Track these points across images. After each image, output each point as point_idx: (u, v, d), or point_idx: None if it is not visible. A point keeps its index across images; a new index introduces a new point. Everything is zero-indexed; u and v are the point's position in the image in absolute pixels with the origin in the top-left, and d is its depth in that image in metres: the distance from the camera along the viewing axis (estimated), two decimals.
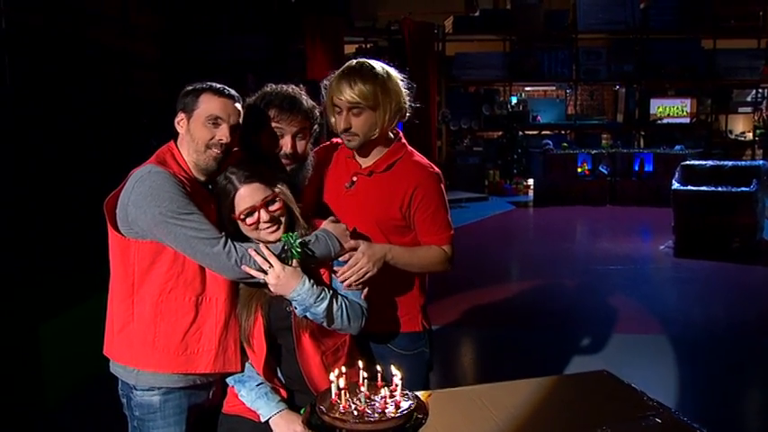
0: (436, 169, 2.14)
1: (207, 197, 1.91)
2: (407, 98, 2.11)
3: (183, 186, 1.83)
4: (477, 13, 12.46)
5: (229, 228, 1.89)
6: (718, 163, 7.95)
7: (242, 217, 1.87)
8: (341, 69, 2.08)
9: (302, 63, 9.88)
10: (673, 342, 4.74)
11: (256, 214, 1.87)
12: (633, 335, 4.93)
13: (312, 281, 1.86)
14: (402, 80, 2.11)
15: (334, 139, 2.29)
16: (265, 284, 1.86)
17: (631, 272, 6.81)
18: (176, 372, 1.88)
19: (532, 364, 4.42)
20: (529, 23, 12.02)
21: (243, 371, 1.96)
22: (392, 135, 2.17)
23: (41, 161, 5.73)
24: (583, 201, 10.97)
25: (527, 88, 13.66)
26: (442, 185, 2.14)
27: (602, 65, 12.40)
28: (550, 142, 11.74)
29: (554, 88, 13.83)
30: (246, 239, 1.90)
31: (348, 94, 2.01)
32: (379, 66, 2.08)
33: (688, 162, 8.20)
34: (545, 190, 11.27)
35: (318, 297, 1.85)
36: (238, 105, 1.93)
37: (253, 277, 1.84)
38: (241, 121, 1.94)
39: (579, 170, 11.25)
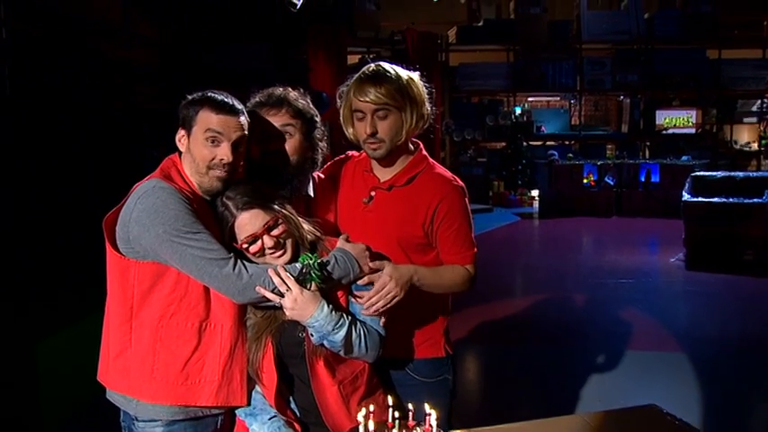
0: (460, 182, 1.99)
1: (212, 215, 1.77)
2: (429, 105, 1.96)
3: (190, 203, 1.69)
4: (480, 23, 12.38)
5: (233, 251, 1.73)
6: (729, 174, 7.84)
7: (244, 246, 1.73)
8: (360, 73, 1.94)
9: (305, 73, 9.77)
10: (690, 359, 4.58)
11: (259, 242, 1.73)
12: (649, 351, 4.78)
13: (331, 306, 1.71)
14: (425, 86, 1.96)
15: (349, 152, 2.13)
16: (279, 308, 1.71)
17: (643, 285, 6.66)
18: (175, 403, 1.72)
19: (547, 382, 4.27)
20: (533, 33, 11.96)
21: (249, 404, 1.79)
22: (412, 146, 2.02)
23: (40, 174, 5.60)
24: (589, 212, 10.87)
25: (530, 99, 13.58)
26: (467, 200, 1.99)
27: (607, 75, 12.32)
28: (556, 153, 11.63)
29: (557, 99, 13.75)
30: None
31: (374, 94, 1.86)
32: (400, 68, 1.94)
33: (698, 173, 8.08)
34: (551, 201, 11.16)
35: (337, 324, 1.69)
36: (242, 119, 1.77)
37: (265, 301, 1.69)
38: (246, 133, 1.78)
39: (585, 181, 11.15)
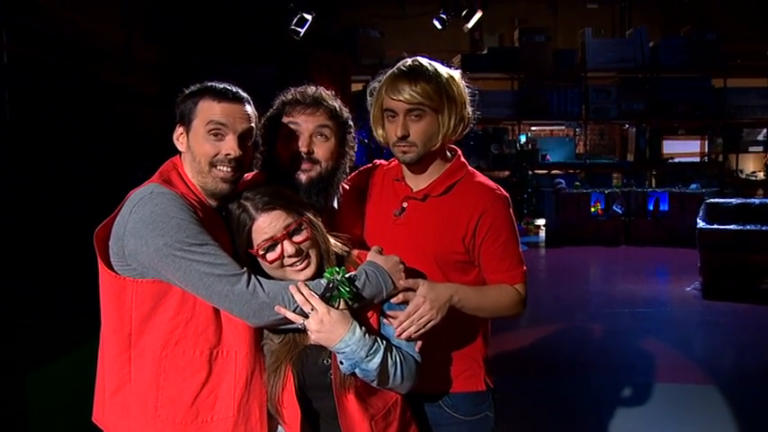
0: (504, 192, 1.76)
1: (222, 225, 1.54)
2: (471, 108, 1.74)
3: (194, 211, 1.45)
4: (484, 51, 12.31)
5: (248, 265, 1.50)
6: (744, 201, 7.65)
7: (261, 252, 1.49)
8: (394, 68, 1.72)
9: None
10: (719, 391, 4.35)
11: (278, 247, 1.49)
12: (675, 384, 4.54)
13: (363, 328, 1.46)
14: (467, 86, 1.74)
15: (377, 161, 1.91)
16: (300, 331, 1.47)
17: (661, 315, 6.43)
18: None
19: (571, 417, 4.03)
20: (537, 62, 11.86)
21: None
22: (449, 153, 1.80)
23: (40, 199, 5.44)
24: (597, 241, 10.66)
25: (533, 128, 13.45)
26: (511, 211, 1.76)
27: (612, 103, 12.20)
28: (563, 181, 11.47)
29: (562, 128, 13.63)
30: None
31: (408, 92, 1.64)
32: (440, 65, 1.72)
33: (713, 200, 7.87)
34: (558, 230, 10.95)
35: (371, 349, 1.45)
36: (248, 108, 1.56)
37: (284, 323, 1.45)
38: (254, 125, 1.57)
39: (592, 209, 10.96)
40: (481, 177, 1.80)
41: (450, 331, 1.68)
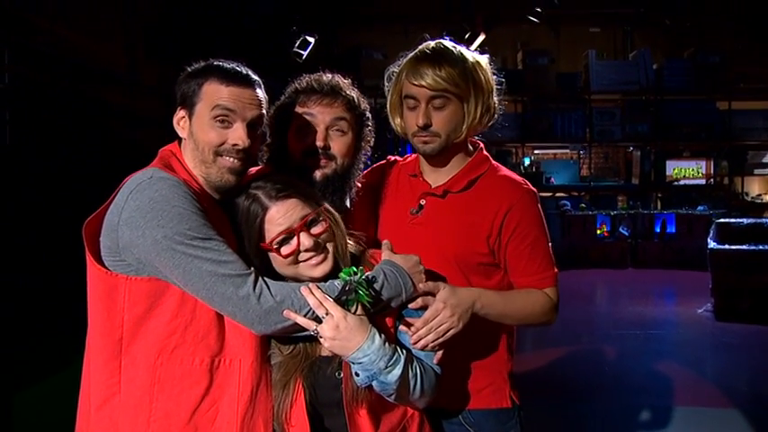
0: (531, 186, 1.62)
1: (226, 221, 1.38)
2: (497, 97, 1.61)
3: (198, 200, 1.29)
4: None
5: (255, 264, 1.35)
6: (756, 220, 7.53)
7: (275, 245, 1.34)
8: (416, 51, 1.57)
9: None
10: (739, 415, 4.17)
11: (294, 240, 1.33)
12: (692, 408, 4.36)
13: (383, 336, 1.31)
14: (494, 73, 1.61)
15: (391, 157, 1.77)
16: (312, 340, 1.32)
17: (673, 337, 6.28)
18: None
19: None
20: (541, 84, 11.83)
21: None
22: (471, 146, 1.67)
23: (40, 220, 5.33)
24: (603, 264, 10.53)
25: (536, 151, 13.37)
26: (540, 207, 1.62)
27: (617, 125, 12.14)
28: (568, 203, 11.35)
29: (565, 151, 13.56)
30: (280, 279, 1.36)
31: (431, 77, 1.50)
32: (465, 49, 1.59)
33: (723, 220, 7.74)
34: (563, 252, 10.79)
35: (391, 359, 1.29)
36: (259, 92, 1.40)
37: (294, 330, 1.29)
38: (265, 111, 1.42)
39: (598, 232, 10.85)
40: (506, 171, 1.66)
41: (473, 341, 1.53)
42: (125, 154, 7.20)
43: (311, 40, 9.40)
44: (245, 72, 1.40)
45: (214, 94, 1.36)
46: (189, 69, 1.42)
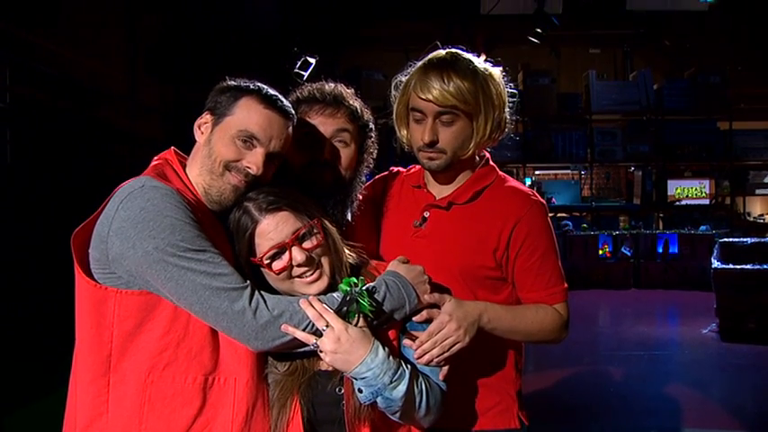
0: (540, 198, 1.56)
1: (222, 232, 1.33)
2: (510, 109, 1.55)
3: (192, 210, 1.24)
4: None
5: (250, 277, 1.29)
6: (760, 240, 7.47)
7: (266, 260, 1.29)
8: (424, 61, 1.51)
9: None
10: None
11: (286, 255, 1.28)
12: (700, 430, 4.27)
13: (387, 349, 1.25)
14: (506, 84, 1.55)
15: (394, 168, 1.72)
16: (310, 355, 1.26)
17: (679, 358, 6.20)
18: None
19: None
20: (542, 104, 11.83)
21: None
22: (477, 157, 1.61)
23: (40, 241, 5.30)
24: (605, 284, 10.44)
25: (537, 171, 13.36)
26: (549, 219, 1.56)
27: (618, 146, 12.13)
28: (570, 223, 11.30)
29: (566, 172, 13.54)
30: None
31: (439, 91, 1.43)
32: (477, 59, 1.53)
33: (727, 239, 7.68)
34: (565, 273, 10.70)
35: (396, 374, 1.22)
36: (290, 127, 1.36)
37: (292, 346, 1.24)
38: (284, 149, 1.37)
39: (600, 252, 10.76)
40: (513, 182, 1.60)
41: (479, 357, 1.47)
42: (125, 173, 7.18)
43: (312, 60, 9.42)
44: (285, 103, 1.37)
45: (248, 112, 1.32)
46: (231, 81, 1.38)
